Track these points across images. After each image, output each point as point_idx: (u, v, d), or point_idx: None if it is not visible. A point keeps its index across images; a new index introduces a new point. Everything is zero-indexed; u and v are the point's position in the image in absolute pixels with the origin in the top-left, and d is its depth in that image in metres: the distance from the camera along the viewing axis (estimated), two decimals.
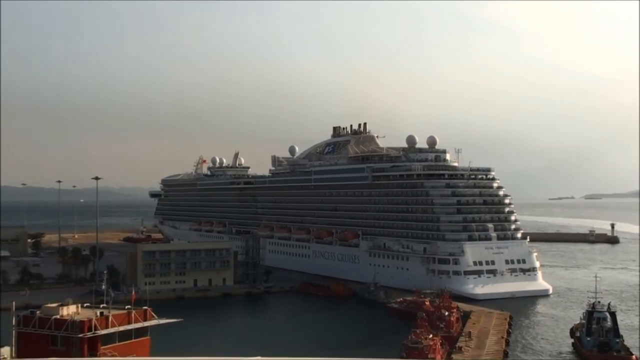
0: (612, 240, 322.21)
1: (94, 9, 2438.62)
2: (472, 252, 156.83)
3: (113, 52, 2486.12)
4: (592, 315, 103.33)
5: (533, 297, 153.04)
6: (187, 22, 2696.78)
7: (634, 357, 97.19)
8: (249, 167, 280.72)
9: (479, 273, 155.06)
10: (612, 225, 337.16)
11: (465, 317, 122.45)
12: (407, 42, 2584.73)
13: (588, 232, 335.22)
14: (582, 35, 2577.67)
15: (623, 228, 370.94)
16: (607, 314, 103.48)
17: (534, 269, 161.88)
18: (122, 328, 65.38)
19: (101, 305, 71.69)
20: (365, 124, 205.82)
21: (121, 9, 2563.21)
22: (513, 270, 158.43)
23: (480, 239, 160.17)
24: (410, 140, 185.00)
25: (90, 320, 63.73)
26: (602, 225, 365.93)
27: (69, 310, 66.82)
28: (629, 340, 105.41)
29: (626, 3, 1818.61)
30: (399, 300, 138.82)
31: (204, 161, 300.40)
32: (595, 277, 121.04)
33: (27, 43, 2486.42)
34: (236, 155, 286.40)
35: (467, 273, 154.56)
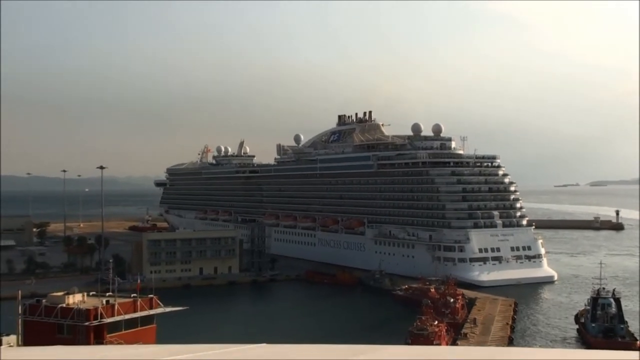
0: (617, 226, 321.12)
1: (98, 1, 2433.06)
2: (478, 240, 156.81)
3: (117, 43, 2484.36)
4: (597, 301, 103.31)
5: (538, 284, 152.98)
6: (193, 15, 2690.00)
7: (638, 342, 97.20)
8: (254, 156, 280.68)
9: (484, 260, 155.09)
10: (617, 212, 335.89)
11: (470, 304, 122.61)
12: (415, 34, 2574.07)
13: (593, 219, 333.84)
14: (585, 27, 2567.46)
15: (628, 214, 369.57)
16: (612, 300, 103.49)
17: (539, 256, 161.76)
18: (128, 316, 65.77)
19: (107, 294, 72.12)
20: (370, 112, 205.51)
21: (127, 1, 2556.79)
22: (518, 257, 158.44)
23: (485, 226, 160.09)
24: (416, 128, 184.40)
25: (96, 309, 64.11)
26: (607, 212, 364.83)
27: (75, 299, 67.22)
28: (634, 326, 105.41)
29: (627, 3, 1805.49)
30: (404, 287, 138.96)
31: (209, 150, 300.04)
32: (600, 263, 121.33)
33: (30, 36, 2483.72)
34: (241, 144, 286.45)
35: (472, 260, 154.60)
